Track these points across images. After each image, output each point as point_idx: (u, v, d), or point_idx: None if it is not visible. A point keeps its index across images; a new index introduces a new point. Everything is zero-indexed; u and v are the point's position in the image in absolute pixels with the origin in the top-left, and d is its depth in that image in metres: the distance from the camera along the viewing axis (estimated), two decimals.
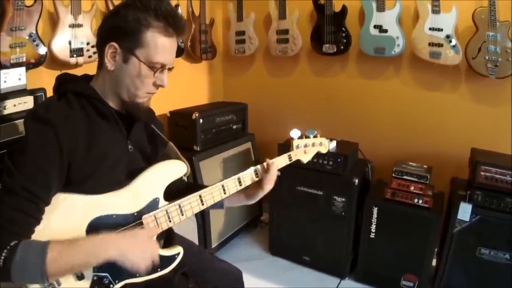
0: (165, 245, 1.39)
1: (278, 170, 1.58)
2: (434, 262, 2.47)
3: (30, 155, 1.07)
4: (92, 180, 1.16)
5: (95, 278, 1.15)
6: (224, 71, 3.67)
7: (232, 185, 1.45)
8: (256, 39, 3.24)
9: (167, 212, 1.27)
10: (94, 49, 2.26)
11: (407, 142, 2.90)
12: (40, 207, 1.07)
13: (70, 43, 2.17)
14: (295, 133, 1.64)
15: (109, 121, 1.24)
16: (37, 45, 2.03)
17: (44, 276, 0.99)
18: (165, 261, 1.30)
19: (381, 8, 2.63)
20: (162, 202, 1.29)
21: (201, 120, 2.69)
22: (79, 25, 2.20)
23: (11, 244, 0.99)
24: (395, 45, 2.65)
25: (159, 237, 1.34)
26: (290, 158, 1.64)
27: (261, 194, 1.54)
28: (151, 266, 1.19)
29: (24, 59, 1.98)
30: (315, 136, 1.72)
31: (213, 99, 3.57)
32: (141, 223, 1.24)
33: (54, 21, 2.16)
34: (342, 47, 2.86)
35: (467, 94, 2.64)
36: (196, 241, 2.63)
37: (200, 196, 1.35)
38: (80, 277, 1.12)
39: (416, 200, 2.35)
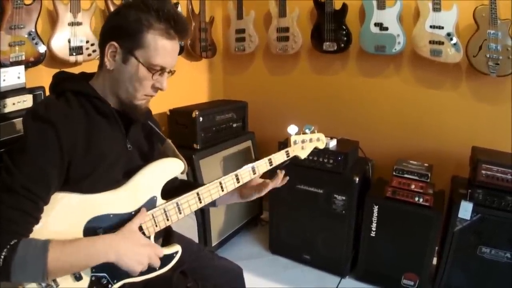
0: (164, 244, 1.39)
1: (278, 167, 1.57)
2: (434, 261, 2.46)
3: (30, 154, 1.07)
4: (90, 179, 1.15)
5: (93, 278, 1.14)
6: (224, 69, 3.67)
7: (229, 182, 1.43)
8: (256, 37, 3.23)
9: (164, 211, 1.27)
10: (94, 48, 2.26)
11: (407, 140, 2.89)
12: (40, 206, 1.07)
13: (69, 41, 2.17)
14: (292, 129, 1.63)
15: (108, 120, 1.24)
16: (36, 44, 2.02)
17: (45, 275, 0.99)
18: (163, 259, 1.29)
19: (381, 6, 2.62)
20: (160, 201, 1.28)
21: (201, 119, 2.69)
22: (79, 23, 2.19)
23: (11, 243, 0.98)
24: (395, 43, 2.64)
25: (158, 235, 1.34)
26: (287, 154, 1.61)
27: (256, 196, 1.54)
28: (146, 268, 1.19)
29: (23, 58, 1.97)
30: (312, 132, 1.70)
31: (213, 97, 3.56)
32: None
33: (53, 20, 2.16)
34: (342, 45, 2.85)
35: (468, 92, 2.64)
36: (196, 239, 2.63)
37: (197, 194, 1.34)
38: (78, 277, 1.11)
39: (416, 199, 2.34)
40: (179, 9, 2.82)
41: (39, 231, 1.07)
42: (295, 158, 1.67)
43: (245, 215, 3.20)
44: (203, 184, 1.38)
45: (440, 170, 2.63)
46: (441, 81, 2.70)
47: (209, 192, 1.37)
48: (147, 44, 1.16)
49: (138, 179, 1.25)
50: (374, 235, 2.49)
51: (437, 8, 2.45)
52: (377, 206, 2.45)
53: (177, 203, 1.29)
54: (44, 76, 2.08)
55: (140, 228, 1.22)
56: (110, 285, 1.18)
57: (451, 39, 2.46)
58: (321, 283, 2.65)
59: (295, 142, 1.64)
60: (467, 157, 2.47)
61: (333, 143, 2.64)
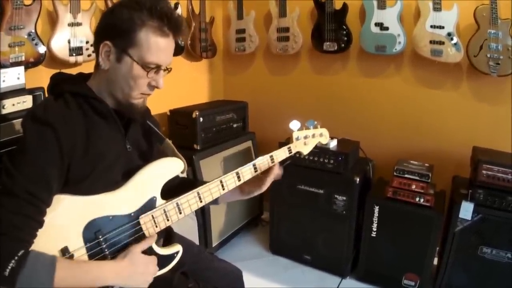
0: (164, 244, 1.38)
1: (281, 163, 1.55)
2: (435, 261, 2.46)
3: (30, 156, 1.06)
4: (89, 181, 1.15)
5: None
6: (225, 70, 3.66)
7: (230, 180, 1.42)
8: (257, 37, 3.23)
9: (164, 211, 1.26)
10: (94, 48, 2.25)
11: (408, 140, 2.88)
12: (42, 209, 1.06)
13: (69, 42, 2.17)
14: (294, 124, 1.60)
15: (107, 120, 1.23)
16: (36, 44, 2.02)
17: None
18: (164, 260, 1.29)
19: (382, 5, 2.62)
20: (160, 201, 1.27)
21: (201, 119, 2.68)
22: (78, 24, 2.19)
23: (19, 254, 0.97)
24: (396, 43, 2.63)
25: (158, 236, 1.33)
26: (289, 150, 1.59)
27: (257, 193, 1.51)
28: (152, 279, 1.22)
29: (23, 58, 1.97)
30: (315, 127, 1.68)
31: (214, 97, 3.56)
32: (139, 223, 1.23)
33: (53, 20, 2.16)
34: (342, 45, 2.85)
35: (469, 92, 2.63)
36: (196, 240, 2.63)
37: (198, 193, 1.33)
38: None
39: (417, 199, 2.33)
40: (179, 9, 2.82)
41: (39, 234, 1.06)
42: (298, 154, 1.65)
43: (245, 216, 3.20)
44: (204, 182, 1.37)
45: (441, 170, 2.62)
46: (441, 81, 2.70)
47: (209, 191, 1.36)
48: (141, 42, 1.15)
49: (137, 179, 1.24)
50: (374, 235, 2.49)
51: (437, 7, 2.45)
52: (377, 207, 2.44)
53: (177, 203, 1.29)
54: (44, 77, 2.05)
55: (140, 229, 1.22)
56: None
57: (452, 39, 2.45)
58: (322, 284, 2.64)
59: (297, 138, 1.62)
60: (468, 157, 2.46)
61: (333, 143, 2.63)
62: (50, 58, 2.14)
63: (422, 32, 2.53)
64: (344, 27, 2.82)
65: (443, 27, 2.46)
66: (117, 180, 1.23)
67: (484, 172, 2.19)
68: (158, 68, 1.21)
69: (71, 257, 1.10)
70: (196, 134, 2.67)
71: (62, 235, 1.10)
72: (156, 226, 1.26)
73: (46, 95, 1.29)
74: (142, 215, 1.23)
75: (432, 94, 2.75)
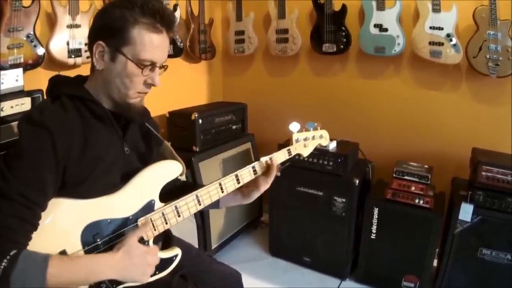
0: (163, 247, 1.38)
1: (280, 168, 1.54)
2: (435, 263, 2.46)
3: (25, 159, 1.06)
4: (86, 184, 1.14)
5: (92, 283, 1.13)
6: (224, 71, 3.66)
7: (230, 183, 1.41)
8: (256, 38, 3.23)
9: (163, 214, 1.26)
10: None
11: (407, 141, 2.88)
12: (37, 212, 1.06)
13: (68, 43, 2.16)
14: (294, 126, 1.58)
15: (104, 123, 1.23)
16: (35, 46, 2.02)
17: None
18: (163, 263, 1.28)
19: (381, 7, 2.62)
20: (158, 204, 1.27)
21: (200, 121, 2.68)
22: (77, 26, 2.18)
23: (11, 253, 0.96)
24: (395, 44, 2.63)
25: (157, 239, 1.33)
26: (289, 152, 1.58)
27: (257, 194, 1.50)
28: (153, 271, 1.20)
29: (22, 60, 1.97)
30: (315, 129, 1.66)
31: (213, 99, 3.56)
32: (137, 227, 1.22)
33: (52, 22, 2.16)
34: (342, 46, 2.85)
35: (468, 93, 2.63)
36: (195, 242, 2.62)
37: (197, 196, 1.32)
38: None
39: (417, 201, 2.33)
40: (178, 11, 2.81)
41: (36, 238, 1.05)
42: (298, 156, 1.64)
43: (245, 218, 3.19)
44: (203, 186, 1.37)
45: (440, 171, 2.62)
46: (441, 82, 2.70)
47: (208, 194, 1.35)
48: (133, 39, 1.15)
49: (135, 182, 1.24)
50: (374, 237, 2.48)
51: (436, 9, 2.45)
52: (377, 208, 2.44)
53: (175, 206, 1.28)
54: (42, 79, 2.04)
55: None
56: None
57: (451, 40, 2.45)
58: (321, 286, 2.64)
59: (297, 140, 1.61)
60: (467, 159, 2.46)
61: (333, 145, 2.63)
62: (48, 60, 2.13)
63: (421, 33, 2.52)
64: (343, 28, 2.82)
65: (442, 28, 2.46)
66: (115, 183, 1.22)
67: (483, 173, 2.19)
68: (153, 65, 1.20)
69: None
70: (195, 136, 2.67)
71: (60, 238, 1.09)
72: (155, 230, 1.25)
73: (45, 97, 1.29)
74: (141, 218, 1.22)
75: (431, 96, 2.75)
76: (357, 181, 2.49)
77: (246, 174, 1.46)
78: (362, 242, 2.55)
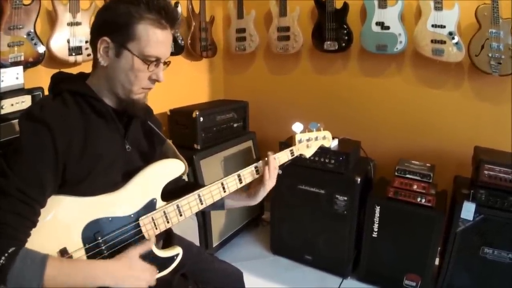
0: (164, 246, 1.37)
1: (280, 167, 1.53)
2: (437, 262, 2.45)
3: (24, 156, 1.05)
4: (87, 181, 1.13)
5: None
6: (225, 69, 3.65)
7: (232, 182, 1.40)
8: (257, 36, 3.22)
9: (164, 213, 1.25)
10: None
11: (409, 140, 2.87)
12: (35, 209, 1.05)
13: (68, 41, 2.16)
14: (297, 126, 1.57)
15: (106, 120, 1.22)
16: (35, 44, 2.01)
17: None
18: (164, 262, 1.28)
19: (383, 5, 2.61)
20: (160, 203, 1.26)
21: (201, 119, 2.67)
22: (78, 23, 2.18)
23: (9, 251, 0.96)
24: (397, 42, 2.62)
25: (158, 238, 1.32)
26: (292, 153, 1.57)
27: (262, 193, 1.48)
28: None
29: (22, 58, 1.96)
30: (318, 129, 1.65)
31: (214, 97, 3.55)
32: (138, 225, 1.21)
33: (52, 20, 2.15)
34: (343, 44, 2.84)
35: (470, 91, 2.62)
36: (196, 240, 2.62)
37: (199, 195, 1.32)
38: None
39: (419, 199, 2.32)
40: (180, 8, 2.81)
41: (36, 236, 1.05)
42: (300, 156, 1.63)
43: (246, 216, 3.19)
44: (206, 185, 1.36)
45: (442, 170, 2.61)
46: (443, 80, 2.69)
47: (210, 193, 1.35)
48: (139, 35, 1.15)
49: (137, 181, 1.23)
50: (376, 235, 2.48)
51: (438, 7, 2.44)
52: (379, 207, 2.43)
53: (177, 205, 1.28)
54: (43, 77, 2.06)
55: (140, 231, 1.20)
56: None
57: (453, 38, 2.44)
58: (323, 284, 2.63)
59: (300, 141, 1.60)
60: (469, 157, 2.45)
61: (334, 143, 2.62)
62: (49, 58, 2.13)
63: (423, 31, 2.51)
64: (345, 26, 2.81)
65: (444, 26, 2.45)
66: (116, 181, 1.22)
67: (486, 172, 2.18)
68: (158, 61, 1.21)
69: (69, 258, 1.09)
70: (197, 133, 2.66)
71: (61, 236, 1.09)
72: (156, 228, 1.24)
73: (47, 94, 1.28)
74: (142, 217, 1.22)
75: (433, 94, 2.74)
76: (359, 180, 2.48)
77: (248, 174, 1.45)
78: (363, 240, 2.54)
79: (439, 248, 2.47)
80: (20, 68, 1.82)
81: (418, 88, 2.79)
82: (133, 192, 1.22)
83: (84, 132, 1.15)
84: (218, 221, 2.84)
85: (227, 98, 3.57)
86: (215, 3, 3.36)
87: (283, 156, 1.54)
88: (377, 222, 2.45)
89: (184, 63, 3.16)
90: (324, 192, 2.60)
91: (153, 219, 1.23)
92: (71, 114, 1.14)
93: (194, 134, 2.67)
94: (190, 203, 1.30)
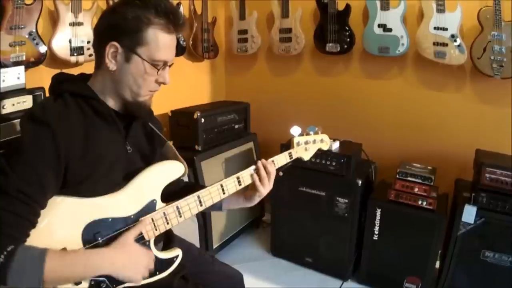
0: (164, 248, 1.37)
1: (279, 169, 1.54)
2: (437, 265, 2.44)
3: (26, 156, 1.05)
4: (88, 182, 1.13)
5: (92, 283, 1.12)
6: (226, 70, 3.65)
7: (231, 184, 1.41)
8: (259, 37, 3.22)
9: (164, 214, 1.25)
10: None
11: (411, 142, 2.87)
12: (35, 209, 1.05)
13: (70, 41, 2.16)
14: (295, 130, 1.60)
15: (107, 122, 1.22)
16: (37, 44, 2.01)
17: (41, 284, 0.98)
18: (163, 264, 1.28)
19: (385, 7, 2.60)
20: (160, 204, 1.26)
21: (202, 120, 2.67)
22: (80, 24, 2.18)
23: (8, 249, 0.96)
24: (399, 44, 2.62)
25: (158, 239, 1.32)
26: (290, 156, 1.59)
27: (257, 198, 1.48)
28: (147, 274, 1.19)
29: (24, 58, 1.96)
30: (316, 133, 1.68)
31: (215, 98, 3.55)
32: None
33: (54, 20, 2.15)
34: (345, 46, 2.83)
35: (472, 94, 2.61)
36: (197, 241, 2.62)
37: (198, 197, 1.32)
38: (77, 282, 1.10)
39: (420, 202, 2.32)
40: (181, 9, 2.80)
41: (37, 236, 1.05)
42: (298, 159, 1.64)
43: (246, 217, 3.19)
44: (205, 187, 1.36)
45: (443, 172, 2.61)
46: (445, 83, 2.68)
47: (210, 195, 1.35)
48: (149, 40, 1.16)
49: (137, 182, 1.23)
50: (376, 238, 2.47)
51: (441, 9, 2.43)
52: (380, 209, 2.42)
53: (177, 207, 1.27)
54: (44, 77, 2.06)
55: (140, 233, 1.20)
56: None
57: (455, 41, 2.44)
58: (323, 286, 2.63)
59: (298, 144, 1.62)
60: (471, 160, 2.45)
61: (336, 145, 2.62)
62: (51, 58, 2.13)
63: (425, 33, 2.51)
64: (347, 28, 2.80)
65: (446, 29, 2.45)
66: (117, 182, 1.22)
67: (487, 175, 2.17)
68: (165, 64, 1.23)
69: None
70: (198, 135, 2.66)
71: (61, 237, 1.09)
72: (156, 229, 1.24)
73: (47, 95, 1.28)
74: (142, 218, 1.22)
75: (435, 96, 2.73)
76: (360, 182, 2.47)
77: (247, 176, 1.45)
78: (364, 243, 2.54)
79: (439, 251, 2.46)
80: (22, 68, 1.82)
81: (420, 90, 2.78)
82: (134, 193, 1.22)
83: (86, 133, 1.15)
84: (218, 222, 2.84)
85: (229, 99, 3.57)
86: (217, 4, 3.36)
87: (282, 159, 1.56)
88: (378, 224, 2.44)
89: (185, 64, 3.16)
90: (325, 194, 2.60)
91: (153, 220, 1.23)
92: (72, 116, 1.14)
93: (195, 135, 2.67)
94: (190, 205, 1.30)
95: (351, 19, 2.80)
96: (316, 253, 2.73)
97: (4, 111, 1.65)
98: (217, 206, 1.47)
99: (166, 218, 1.26)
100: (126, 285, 1.18)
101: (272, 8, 3.08)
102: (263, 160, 1.47)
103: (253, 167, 1.46)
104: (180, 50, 2.89)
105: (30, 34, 1.97)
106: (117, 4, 1.19)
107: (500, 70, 2.35)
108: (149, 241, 1.23)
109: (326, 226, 2.64)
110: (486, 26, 2.35)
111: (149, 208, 1.24)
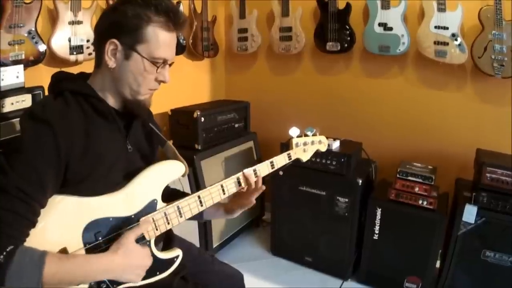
0: (164, 248, 1.37)
1: (279, 170, 1.55)
2: (438, 264, 2.44)
3: (26, 154, 1.04)
4: (89, 181, 1.13)
5: (92, 283, 1.12)
6: (226, 69, 3.65)
7: (231, 185, 1.41)
8: (259, 36, 3.21)
9: (165, 214, 1.24)
10: None
11: (411, 142, 2.86)
12: (34, 208, 1.04)
13: (69, 40, 2.15)
14: (294, 131, 1.62)
15: (107, 120, 1.22)
16: (36, 43, 2.00)
17: (40, 287, 0.97)
18: (164, 264, 1.27)
19: (386, 5, 2.60)
20: (160, 204, 1.25)
21: (202, 119, 2.67)
22: (79, 22, 2.17)
23: (8, 249, 0.95)
24: (400, 43, 2.61)
25: (158, 239, 1.31)
26: (289, 157, 1.61)
27: (239, 211, 1.51)
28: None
29: (23, 57, 1.96)
30: (314, 134, 1.70)
31: (215, 97, 3.54)
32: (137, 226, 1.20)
33: (53, 18, 2.14)
34: (346, 45, 2.83)
35: (473, 93, 2.61)
36: (197, 241, 2.61)
37: (199, 197, 1.32)
38: None
39: (420, 201, 2.31)
40: (181, 8, 2.80)
41: (37, 235, 1.04)
42: (297, 160, 1.66)
43: (247, 216, 3.18)
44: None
45: (444, 172, 2.60)
46: (445, 82, 2.68)
47: (210, 195, 1.35)
48: (149, 38, 1.16)
49: (138, 181, 1.22)
50: (376, 237, 2.47)
51: (442, 8, 2.43)
52: (380, 209, 2.42)
53: (177, 206, 1.27)
54: (44, 76, 2.06)
55: (141, 234, 1.20)
56: None
57: (456, 40, 2.43)
58: (323, 286, 2.63)
59: (297, 145, 1.64)
60: (471, 159, 2.44)
61: (336, 145, 2.61)
62: (50, 57, 2.12)
63: (426, 32, 2.50)
64: (347, 27, 2.80)
65: (447, 28, 2.44)
66: (118, 181, 1.21)
67: (488, 175, 2.17)
68: (165, 62, 1.22)
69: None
70: (197, 134, 2.65)
71: (62, 236, 1.08)
72: (157, 229, 1.23)
73: (46, 94, 1.28)
74: (143, 218, 1.21)
75: (435, 95, 2.73)
76: (360, 181, 2.47)
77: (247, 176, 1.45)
78: (364, 242, 2.53)
79: (440, 251, 2.46)
80: (21, 66, 1.81)
81: (420, 89, 2.78)
82: (134, 192, 1.21)
83: (86, 132, 1.14)
84: (218, 221, 2.83)
85: (229, 98, 3.56)
86: (217, 3, 3.35)
87: (281, 160, 1.58)
88: (378, 224, 2.44)
89: (185, 63, 3.15)
90: (325, 194, 2.59)
91: (153, 220, 1.23)
92: (73, 114, 1.14)
93: (195, 134, 2.66)
94: (190, 205, 1.30)
95: (351, 17, 2.79)
96: (316, 252, 2.73)
97: (3, 110, 1.65)
98: (198, 216, 1.46)
99: (166, 218, 1.25)
100: (126, 285, 1.18)
101: (272, 7, 3.08)
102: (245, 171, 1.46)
103: (253, 168, 1.47)
104: (180, 49, 2.88)
105: (29, 32, 1.97)
106: (118, 3, 1.19)
107: (500, 69, 2.35)
108: (149, 241, 1.23)
109: (326, 226, 2.63)
110: (487, 25, 2.35)
111: (150, 208, 1.23)
